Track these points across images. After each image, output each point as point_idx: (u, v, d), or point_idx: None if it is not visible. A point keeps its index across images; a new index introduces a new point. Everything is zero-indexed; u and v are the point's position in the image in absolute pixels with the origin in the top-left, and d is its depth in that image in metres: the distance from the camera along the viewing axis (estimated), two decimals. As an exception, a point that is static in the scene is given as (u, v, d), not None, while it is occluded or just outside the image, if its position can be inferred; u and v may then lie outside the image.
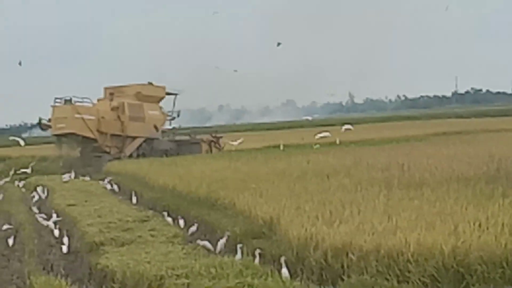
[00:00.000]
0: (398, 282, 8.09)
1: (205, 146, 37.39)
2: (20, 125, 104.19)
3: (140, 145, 36.18)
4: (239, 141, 35.61)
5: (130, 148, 35.71)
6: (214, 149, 37.80)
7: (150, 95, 37.03)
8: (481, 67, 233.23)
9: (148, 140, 36.43)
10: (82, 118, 33.37)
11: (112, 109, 35.04)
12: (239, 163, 23.17)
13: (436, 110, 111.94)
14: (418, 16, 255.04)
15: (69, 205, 18.24)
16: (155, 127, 36.71)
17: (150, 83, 38.02)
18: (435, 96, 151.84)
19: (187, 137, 39.47)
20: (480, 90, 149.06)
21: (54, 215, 15.71)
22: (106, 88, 37.00)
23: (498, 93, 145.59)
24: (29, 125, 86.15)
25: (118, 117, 34.88)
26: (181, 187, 18.32)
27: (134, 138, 35.89)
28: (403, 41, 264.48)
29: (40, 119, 36.55)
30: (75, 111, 33.42)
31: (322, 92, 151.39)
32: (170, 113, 39.26)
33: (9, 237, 14.11)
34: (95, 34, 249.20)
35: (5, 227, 15.33)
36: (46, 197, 21.62)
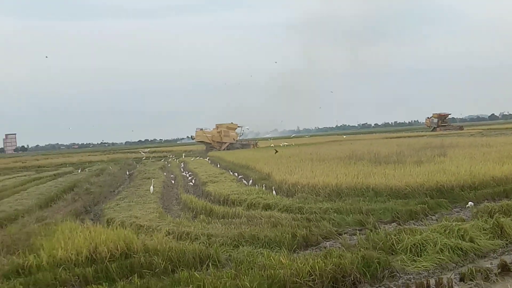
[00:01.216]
0: (315, 196, 21.53)
1: (252, 146, 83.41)
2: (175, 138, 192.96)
3: (227, 146, 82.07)
4: (284, 143, 76.80)
5: (223, 146, 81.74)
6: (255, 147, 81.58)
7: (231, 127, 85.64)
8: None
9: (230, 144, 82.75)
10: (206, 135, 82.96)
11: (218, 132, 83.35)
12: (258, 152, 54.35)
13: (333, 131, 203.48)
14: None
15: (195, 168, 40.88)
16: (233, 139, 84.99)
17: (232, 122, 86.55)
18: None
19: (245, 143, 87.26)
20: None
21: (189, 172, 36.31)
22: (216, 125, 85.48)
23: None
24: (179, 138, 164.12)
25: (219, 135, 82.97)
26: (236, 161, 41.44)
27: (225, 143, 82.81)
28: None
29: (192, 136, 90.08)
30: (203, 133, 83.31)
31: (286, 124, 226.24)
32: (240, 134, 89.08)
33: (173, 180, 32.82)
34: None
35: (171, 176, 35.73)
36: (185, 165, 48.71)
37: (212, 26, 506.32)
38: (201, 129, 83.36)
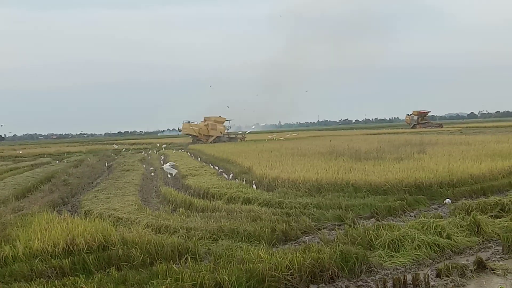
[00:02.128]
0: (295, 190, 20.96)
1: (239, 139, 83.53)
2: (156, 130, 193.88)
3: (214, 139, 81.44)
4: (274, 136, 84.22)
5: (210, 140, 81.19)
6: (242, 141, 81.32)
7: (219, 120, 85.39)
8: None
9: (217, 137, 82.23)
10: (193, 128, 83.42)
11: (205, 125, 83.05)
12: (238, 146, 53.47)
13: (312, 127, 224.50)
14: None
15: (175, 161, 38.46)
16: (221, 132, 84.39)
17: (220, 116, 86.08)
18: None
19: (233, 136, 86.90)
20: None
21: (168, 164, 33.56)
22: (204, 117, 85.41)
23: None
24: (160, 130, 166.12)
25: (207, 128, 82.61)
26: (216, 154, 40.59)
27: (211, 136, 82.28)
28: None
29: (178, 128, 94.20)
30: (190, 125, 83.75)
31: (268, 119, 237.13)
32: (227, 127, 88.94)
33: (153, 172, 32.15)
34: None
35: (151, 168, 35.13)
36: (165, 158, 45.50)
37: (196, 18, 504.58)
38: (188, 122, 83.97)
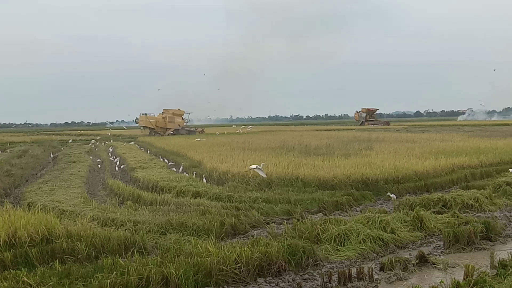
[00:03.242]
0: (246, 185, 21.02)
1: (198, 132, 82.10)
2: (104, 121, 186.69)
3: (172, 132, 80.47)
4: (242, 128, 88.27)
5: (167, 132, 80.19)
6: (201, 134, 78.57)
7: (178, 113, 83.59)
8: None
9: (175, 130, 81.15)
10: (149, 120, 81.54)
11: (163, 117, 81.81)
12: (189, 139, 51.19)
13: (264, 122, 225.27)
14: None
15: (123, 153, 38.66)
16: (179, 125, 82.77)
17: (178, 109, 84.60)
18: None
19: (192, 129, 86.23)
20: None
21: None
22: (163, 110, 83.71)
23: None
24: (109, 121, 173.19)
25: (164, 120, 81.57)
26: (167, 147, 39.88)
27: (169, 129, 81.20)
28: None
29: (136, 119, 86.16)
30: (147, 118, 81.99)
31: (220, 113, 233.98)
32: (187, 120, 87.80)
33: (100, 164, 31.13)
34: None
35: (98, 160, 33.88)
36: (114, 150, 45.09)
37: (151, 8, 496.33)
38: (145, 114, 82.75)
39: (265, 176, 20.24)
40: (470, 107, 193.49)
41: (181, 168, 26.34)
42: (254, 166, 20.63)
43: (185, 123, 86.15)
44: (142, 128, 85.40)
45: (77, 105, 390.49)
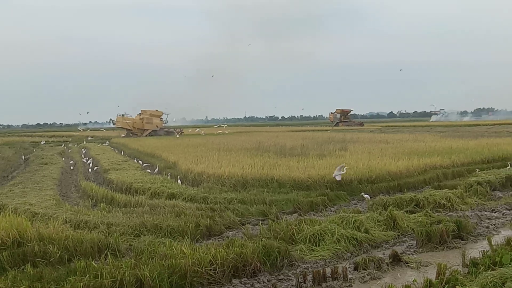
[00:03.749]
0: (221, 186, 20.81)
1: (176, 134, 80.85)
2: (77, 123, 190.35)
3: (150, 132, 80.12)
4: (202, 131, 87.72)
5: (145, 133, 79.95)
6: (180, 135, 79.24)
7: (156, 114, 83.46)
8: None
9: (153, 131, 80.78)
10: (126, 122, 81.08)
11: (140, 118, 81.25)
12: (164, 140, 53.22)
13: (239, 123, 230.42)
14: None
15: (97, 154, 38.38)
16: (157, 126, 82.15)
17: (156, 110, 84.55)
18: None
19: (171, 130, 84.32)
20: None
21: (90, 159, 34.00)
22: (141, 110, 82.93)
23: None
24: (82, 122, 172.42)
25: (141, 121, 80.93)
26: (141, 148, 40.06)
27: (147, 130, 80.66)
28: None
29: (112, 120, 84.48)
30: (124, 119, 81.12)
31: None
32: (165, 121, 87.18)
33: (72, 166, 31.35)
34: None
35: (71, 162, 33.99)
36: (87, 151, 44.65)
37: (127, 7, 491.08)
38: (122, 115, 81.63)
39: (340, 178, 19.50)
40: (442, 108, 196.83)
41: (156, 169, 26.13)
42: (339, 167, 19.86)
43: (163, 124, 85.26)
44: (118, 128, 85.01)
45: (49, 106, 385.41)
